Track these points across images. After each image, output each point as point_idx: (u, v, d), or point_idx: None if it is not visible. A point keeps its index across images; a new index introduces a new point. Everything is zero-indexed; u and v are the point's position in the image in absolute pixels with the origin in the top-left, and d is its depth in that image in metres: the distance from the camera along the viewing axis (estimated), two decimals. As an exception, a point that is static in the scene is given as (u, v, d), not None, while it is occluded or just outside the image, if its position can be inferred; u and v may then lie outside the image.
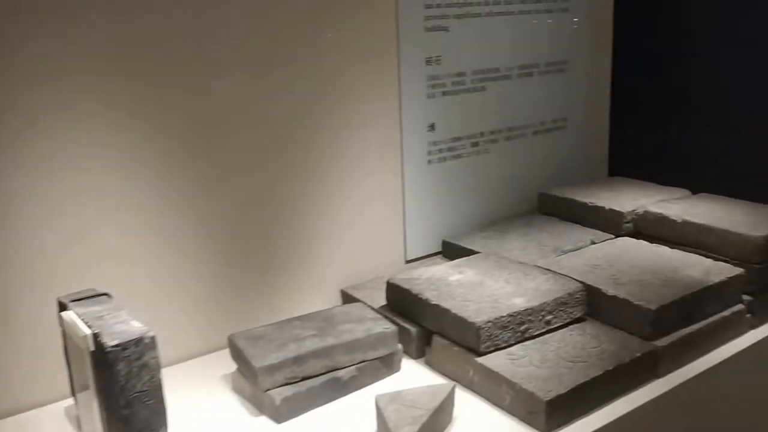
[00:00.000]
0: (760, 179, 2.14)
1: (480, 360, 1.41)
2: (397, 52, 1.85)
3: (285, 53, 1.65)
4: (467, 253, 1.88)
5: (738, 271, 1.62)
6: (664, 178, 2.20)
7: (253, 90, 1.62)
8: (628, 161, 2.47)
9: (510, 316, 1.45)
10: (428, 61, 1.93)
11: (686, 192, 2.07)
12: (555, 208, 2.12)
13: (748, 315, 1.64)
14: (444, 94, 1.98)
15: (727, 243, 1.69)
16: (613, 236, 1.92)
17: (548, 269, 1.67)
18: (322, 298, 1.82)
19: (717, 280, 1.58)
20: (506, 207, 2.19)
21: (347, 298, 1.82)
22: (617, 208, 1.93)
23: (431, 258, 2.03)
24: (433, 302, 1.52)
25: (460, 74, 2.00)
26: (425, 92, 1.94)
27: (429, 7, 1.90)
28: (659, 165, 2.40)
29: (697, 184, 2.10)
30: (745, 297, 1.65)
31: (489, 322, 1.42)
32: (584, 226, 2.01)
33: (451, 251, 1.99)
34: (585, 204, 2.01)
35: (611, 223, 1.94)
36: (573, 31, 2.25)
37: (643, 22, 2.39)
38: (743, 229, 1.69)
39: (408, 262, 2.00)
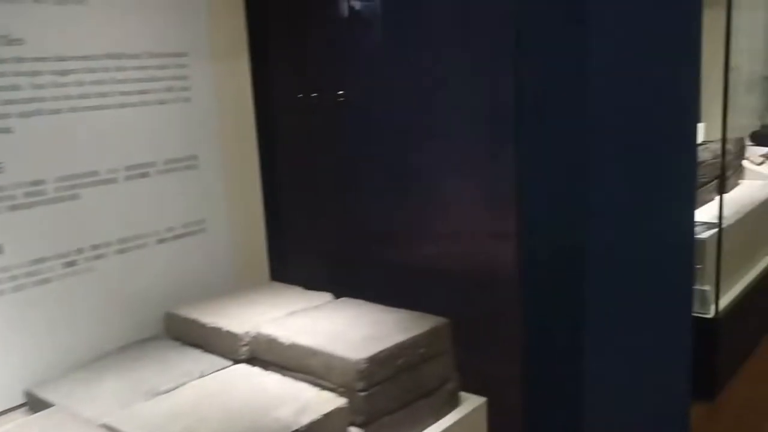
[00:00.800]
0: (403, 280, 1.95)
1: None
2: (-73, 162, 1.46)
3: None
4: (44, 406, 1.49)
5: (339, 402, 1.38)
6: (330, 277, 2.00)
7: None
8: (291, 262, 2.22)
9: None
10: (-17, 171, 1.55)
11: (328, 297, 1.84)
12: (181, 331, 1.79)
13: (359, 452, 1.40)
14: (13, 208, 1.60)
15: (332, 368, 1.45)
16: (231, 363, 1.62)
17: (114, 428, 1.32)
18: None
19: (308, 420, 1.32)
20: (127, 334, 1.82)
21: None
22: (234, 330, 1.64)
23: (12, 413, 1.61)
24: None
25: (36, 183, 1.64)
26: (-18, 208, 1.55)
27: (-26, 104, 1.53)
28: (319, 265, 2.17)
29: (352, 283, 1.89)
30: (356, 430, 1.41)
31: None
32: (207, 351, 1.69)
33: (34, 403, 1.58)
34: (204, 325, 1.71)
35: (230, 348, 1.64)
36: (199, 123, 1.98)
37: (288, 112, 2.19)
38: (346, 351, 1.45)
39: (-21, 422, 1.56)
